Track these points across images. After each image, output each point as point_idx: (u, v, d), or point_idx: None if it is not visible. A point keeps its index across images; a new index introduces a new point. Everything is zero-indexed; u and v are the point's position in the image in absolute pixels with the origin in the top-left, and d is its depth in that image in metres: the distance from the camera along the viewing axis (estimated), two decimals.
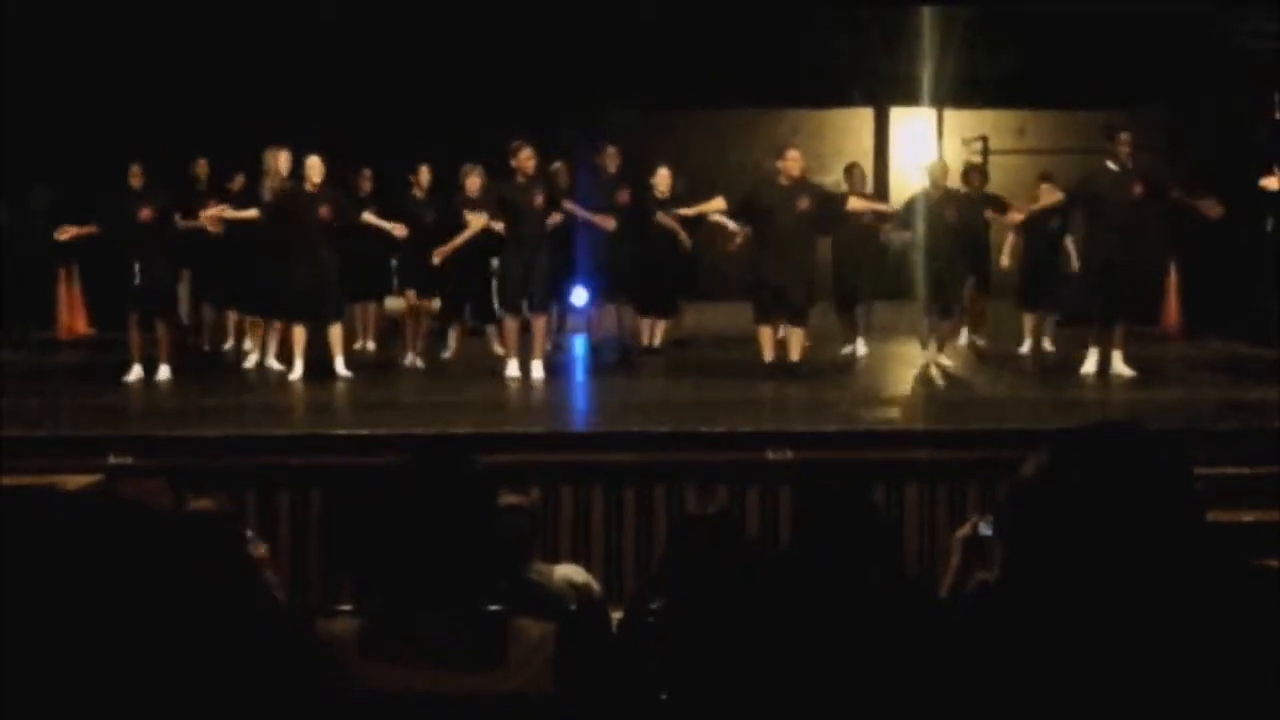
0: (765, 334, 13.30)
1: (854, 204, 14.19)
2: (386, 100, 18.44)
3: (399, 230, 13.67)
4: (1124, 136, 12.93)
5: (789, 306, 13.13)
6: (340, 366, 13.32)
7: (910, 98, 20.77)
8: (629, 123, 18.70)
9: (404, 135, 16.67)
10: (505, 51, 18.53)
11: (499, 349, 14.60)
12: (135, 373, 13.31)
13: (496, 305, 14.39)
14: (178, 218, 13.64)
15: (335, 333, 13.45)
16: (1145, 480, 2.65)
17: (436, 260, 13.72)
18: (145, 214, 13.27)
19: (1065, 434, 2.78)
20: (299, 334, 13.40)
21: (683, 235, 14.90)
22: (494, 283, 14.72)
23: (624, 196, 14.80)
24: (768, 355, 13.20)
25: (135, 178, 13.38)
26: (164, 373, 13.34)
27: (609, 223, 13.99)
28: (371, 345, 16.12)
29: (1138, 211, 12.98)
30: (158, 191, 13.56)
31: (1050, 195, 14.37)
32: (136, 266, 13.30)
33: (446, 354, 15.10)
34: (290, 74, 18.00)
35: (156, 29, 17.56)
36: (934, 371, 13.58)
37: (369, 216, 13.83)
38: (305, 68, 18.11)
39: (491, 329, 15.16)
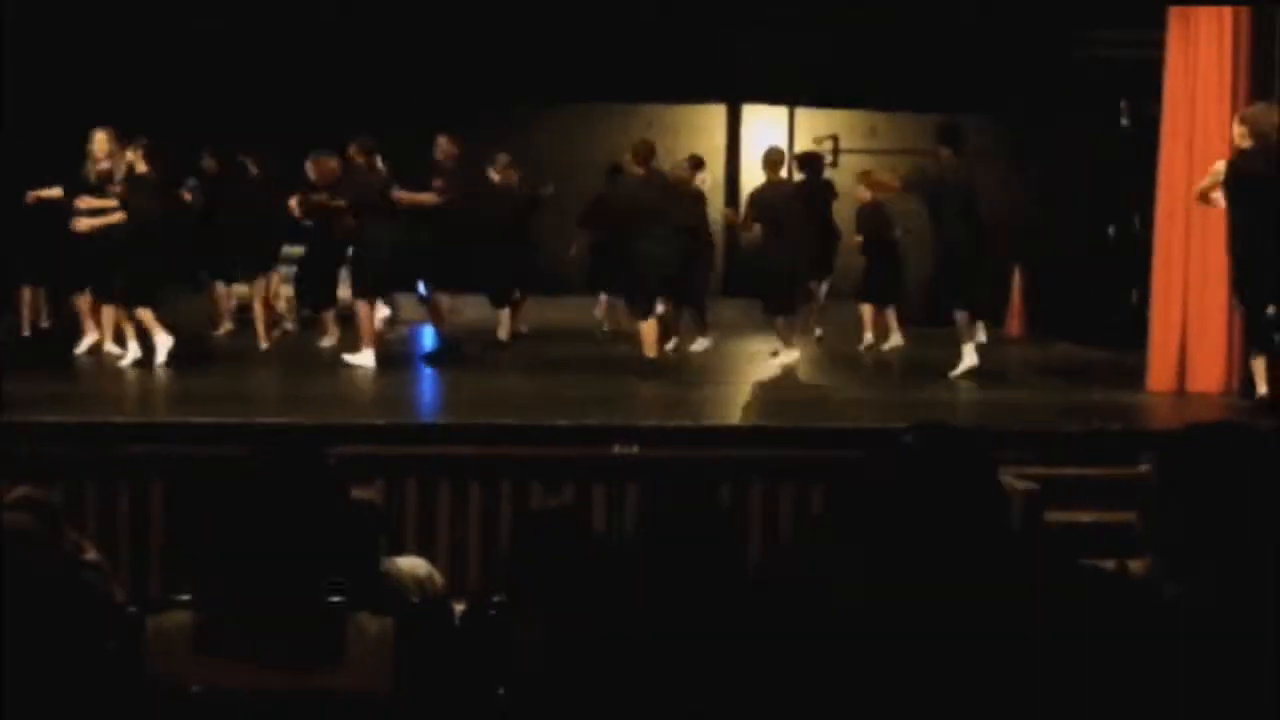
0: (647, 328, 13.16)
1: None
2: (232, 86, 18.30)
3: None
4: (945, 153, 12.81)
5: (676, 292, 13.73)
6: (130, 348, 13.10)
7: (763, 96, 20.93)
8: (483, 118, 18.65)
9: (255, 122, 16.61)
10: (359, 46, 18.43)
11: (327, 340, 14.91)
12: None
13: (351, 293, 14.35)
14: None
15: (144, 315, 13.12)
16: (954, 483, 2.70)
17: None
18: None
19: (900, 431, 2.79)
20: (145, 316, 13.07)
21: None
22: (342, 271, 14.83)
23: (438, 183, 14.66)
24: (650, 352, 13.10)
25: None
26: None
27: (429, 197, 14.14)
28: (227, 327, 15.97)
29: (972, 210, 12.94)
30: None
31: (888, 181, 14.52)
32: None
33: (328, 342, 14.97)
34: (157, 61, 17.81)
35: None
36: (781, 369, 13.45)
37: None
38: (171, 55, 17.94)
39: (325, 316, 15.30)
